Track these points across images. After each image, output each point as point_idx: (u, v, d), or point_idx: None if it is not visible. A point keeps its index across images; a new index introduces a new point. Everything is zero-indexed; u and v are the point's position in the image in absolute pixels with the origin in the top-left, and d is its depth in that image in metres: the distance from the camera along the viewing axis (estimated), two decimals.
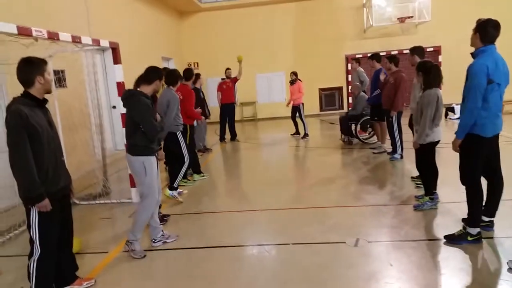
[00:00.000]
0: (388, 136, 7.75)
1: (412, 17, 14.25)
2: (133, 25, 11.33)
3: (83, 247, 4.31)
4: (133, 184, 5.71)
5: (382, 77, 7.71)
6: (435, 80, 4.63)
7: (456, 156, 3.87)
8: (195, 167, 7.08)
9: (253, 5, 15.56)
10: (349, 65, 14.93)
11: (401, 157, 7.39)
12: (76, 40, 4.58)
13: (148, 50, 12.13)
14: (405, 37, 14.61)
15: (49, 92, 3.14)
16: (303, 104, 11.01)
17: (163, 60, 13.63)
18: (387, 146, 8.01)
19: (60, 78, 7.20)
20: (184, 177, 6.83)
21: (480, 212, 3.83)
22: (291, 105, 11.14)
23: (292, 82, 11.05)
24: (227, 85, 10.91)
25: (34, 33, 3.86)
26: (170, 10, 14.95)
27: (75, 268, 3.51)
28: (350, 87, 12.14)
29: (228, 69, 11.13)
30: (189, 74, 6.70)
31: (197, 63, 16.06)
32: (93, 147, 6.93)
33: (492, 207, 3.91)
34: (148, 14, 12.78)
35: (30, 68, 3.01)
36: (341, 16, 15.49)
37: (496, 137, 3.71)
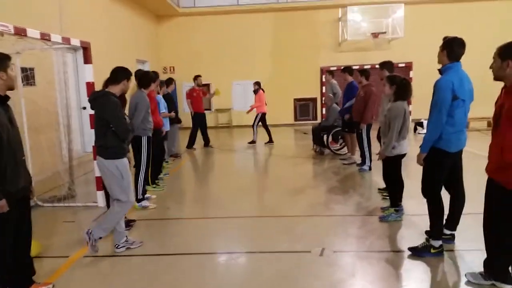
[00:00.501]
0: (358, 148, 7.89)
1: (385, 32, 14.63)
2: (108, 26, 11.14)
3: (43, 250, 4.16)
4: (99, 188, 5.57)
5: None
6: (405, 93, 4.75)
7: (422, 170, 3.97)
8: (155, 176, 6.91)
9: (232, 13, 15.61)
10: (324, 76, 15.14)
11: (370, 168, 7.53)
12: (45, 37, 4.45)
13: (122, 52, 11.94)
14: (378, 52, 14.95)
15: (11, 88, 3.05)
16: (264, 113, 11.57)
17: (137, 62, 13.45)
18: (357, 157, 8.14)
19: (28, 76, 6.98)
20: (153, 182, 6.73)
21: (442, 224, 3.94)
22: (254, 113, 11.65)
23: (255, 92, 11.52)
24: (197, 93, 10.72)
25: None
26: (148, 13, 14.81)
27: (32, 273, 3.38)
28: (323, 98, 12.30)
29: (198, 76, 10.95)
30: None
31: (173, 67, 15.95)
32: (60, 149, 6.74)
33: (453, 221, 4.03)
34: (125, 16, 12.61)
35: None
36: (317, 29, 15.74)
37: (460, 152, 3.82)
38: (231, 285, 3.48)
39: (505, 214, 2.88)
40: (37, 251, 4.05)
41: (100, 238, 4.03)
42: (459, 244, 4.05)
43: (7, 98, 3.04)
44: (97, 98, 3.89)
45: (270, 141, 11.51)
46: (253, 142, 11.51)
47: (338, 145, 9.69)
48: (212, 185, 7.51)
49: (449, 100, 3.53)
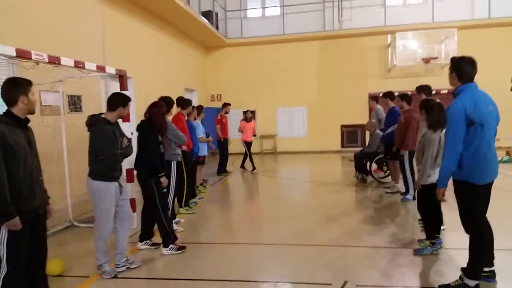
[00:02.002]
0: (401, 176, 7.47)
1: (437, 57, 14.06)
2: (157, 57, 11.74)
3: (67, 269, 4.26)
4: (133, 209, 5.67)
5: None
6: (439, 118, 4.43)
7: None
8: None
9: (278, 42, 15.86)
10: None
11: (414, 198, 7.05)
12: (79, 65, 4.71)
13: (171, 81, 12.47)
14: (430, 78, 14.21)
15: (32, 112, 3.20)
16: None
17: (186, 91, 13.95)
18: (402, 186, 7.69)
19: (75, 102, 7.44)
20: (186, 204, 6.76)
21: (483, 264, 3.52)
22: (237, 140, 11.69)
23: (250, 120, 11.54)
24: (226, 120, 10.87)
25: (34, 57, 4.00)
26: (197, 45, 15.44)
27: None
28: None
29: (228, 104, 11.00)
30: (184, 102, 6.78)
31: (220, 95, 16.34)
32: None
33: (488, 255, 3.59)
34: (175, 47, 13.23)
35: (15, 88, 3.08)
36: (365, 55, 15.52)
37: (488, 185, 3.44)
38: None
39: None
40: (60, 270, 4.16)
41: (102, 264, 4.10)
42: (501, 284, 3.60)
43: (27, 121, 3.19)
44: (93, 123, 4.00)
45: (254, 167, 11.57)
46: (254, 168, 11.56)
47: (383, 172, 9.26)
48: (244, 210, 7.41)
49: (463, 127, 3.23)
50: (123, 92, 4.67)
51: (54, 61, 4.36)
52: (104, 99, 7.57)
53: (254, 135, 11.70)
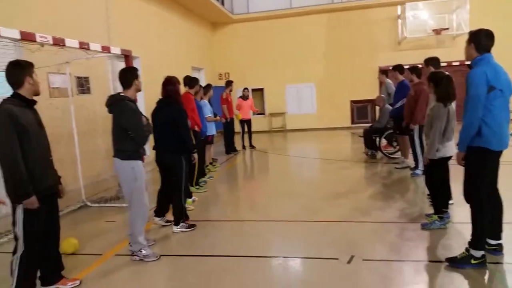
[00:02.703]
0: (411, 151, 7.42)
1: (448, 28, 13.72)
2: (163, 35, 11.64)
3: (80, 248, 4.38)
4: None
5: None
6: (447, 91, 4.36)
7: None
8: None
9: (285, 16, 15.60)
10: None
11: (423, 173, 7.01)
12: (84, 46, 4.71)
13: (178, 60, 12.41)
14: (441, 50, 14.02)
15: (37, 93, 3.23)
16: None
17: (193, 69, 13.88)
18: (411, 161, 7.66)
19: (83, 84, 7.47)
20: (197, 183, 6.84)
21: (485, 233, 3.53)
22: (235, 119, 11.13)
23: (246, 97, 11.28)
24: (231, 99, 10.75)
25: (38, 39, 4.01)
26: (203, 22, 15.27)
27: (61, 268, 3.55)
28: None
29: (231, 81, 10.97)
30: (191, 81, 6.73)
31: (228, 73, 16.24)
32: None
33: (495, 228, 3.60)
34: (180, 25, 13.10)
35: (19, 70, 3.12)
36: (374, 28, 15.21)
37: (501, 153, 3.42)
38: None
39: None
40: (74, 249, 4.28)
41: (142, 250, 4.02)
42: (509, 257, 3.60)
43: (34, 102, 3.23)
44: (114, 103, 3.93)
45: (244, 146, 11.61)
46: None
47: (393, 148, 9.20)
48: (253, 188, 7.47)
49: (484, 93, 3.22)
50: (129, 66, 4.58)
51: (58, 42, 4.37)
52: (111, 80, 7.58)
53: (261, 113, 11.91)
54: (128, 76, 4.02)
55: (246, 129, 11.41)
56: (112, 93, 6.97)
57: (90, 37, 6.57)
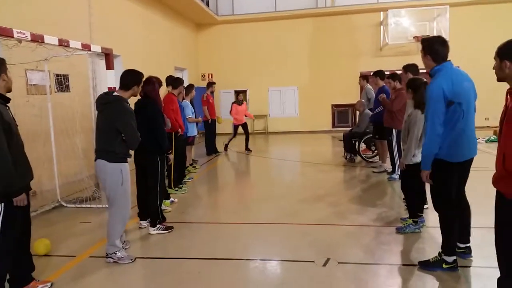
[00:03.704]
0: (389, 156, 7.53)
1: (429, 36, 13.97)
2: (146, 35, 11.53)
3: (53, 249, 4.29)
4: None
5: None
6: (423, 97, 4.44)
7: None
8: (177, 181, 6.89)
9: (270, 19, 15.65)
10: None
11: (400, 177, 7.13)
12: (63, 43, 4.63)
13: (161, 60, 12.30)
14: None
15: (9, 90, 3.18)
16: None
17: (176, 70, 13.79)
18: (389, 165, 7.77)
19: (62, 82, 7.33)
20: (176, 185, 6.78)
21: (456, 239, 3.61)
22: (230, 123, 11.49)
23: (241, 102, 11.18)
24: (213, 100, 10.76)
25: (15, 35, 3.93)
26: (187, 22, 15.19)
27: (31, 269, 3.47)
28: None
29: (213, 83, 10.99)
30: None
31: (211, 74, 16.20)
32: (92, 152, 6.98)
33: (463, 232, 3.69)
34: (164, 25, 12.99)
35: None
36: (357, 33, 15.39)
37: (469, 161, 3.49)
38: None
39: (510, 228, 2.56)
40: (46, 250, 4.19)
41: (116, 252, 3.95)
42: (477, 260, 3.70)
43: (9, 99, 3.16)
44: (110, 102, 3.83)
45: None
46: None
47: (371, 152, 9.33)
48: (233, 190, 7.46)
49: (443, 108, 3.25)
50: (136, 70, 4.46)
51: (37, 39, 4.29)
52: (92, 78, 7.47)
53: (251, 119, 11.78)
54: (130, 79, 3.95)
55: (239, 132, 11.32)
56: (92, 92, 6.97)
57: (71, 35, 6.45)
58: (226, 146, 11.54)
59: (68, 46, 4.79)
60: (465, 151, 3.39)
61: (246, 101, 16.36)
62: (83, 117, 7.04)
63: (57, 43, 4.60)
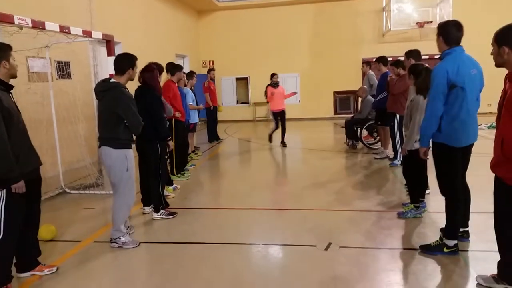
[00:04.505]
0: (391, 142, 7.54)
1: (431, 22, 13.88)
2: (147, 21, 11.47)
3: (58, 235, 4.35)
4: None
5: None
6: (426, 82, 4.43)
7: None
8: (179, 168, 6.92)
9: (271, 5, 15.52)
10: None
11: (401, 163, 7.14)
12: (64, 30, 4.61)
13: (162, 47, 12.25)
14: (424, 43, 14.14)
15: (14, 77, 3.18)
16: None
17: (177, 57, 13.74)
18: (391, 151, 7.79)
19: (63, 68, 7.32)
20: (178, 172, 6.82)
21: (459, 224, 3.65)
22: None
23: (276, 84, 9.68)
24: (214, 87, 10.63)
25: (16, 21, 3.92)
26: (188, 9, 15.08)
27: (38, 254, 3.52)
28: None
29: (212, 69, 10.88)
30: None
31: (212, 61, 16.13)
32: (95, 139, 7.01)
33: (463, 217, 3.72)
34: (165, 12, 12.92)
35: None
36: (359, 19, 15.27)
37: (469, 147, 3.50)
38: (227, 276, 3.42)
39: (509, 212, 2.59)
40: (52, 235, 4.24)
41: (121, 237, 3.99)
42: (476, 244, 3.74)
43: (12, 86, 3.17)
44: (109, 90, 3.81)
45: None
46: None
47: (373, 139, 9.34)
48: (235, 177, 7.49)
49: (444, 88, 3.27)
50: (129, 53, 4.43)
51: (38, 26, 4.27)
52: (93, 66, 7.45)
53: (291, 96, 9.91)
54: (124, 63, 3.91)
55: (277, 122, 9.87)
56: (93, 79, 6.95)
57: (71, 21, 6.42)
58: (270, 137, 10.11)
59: (69, 32, 4.77)
60: (465, 136, 3.41)
61: (248, 88, 16.44)
62: (84, 104, 7.04)
63: (58, 29, 4.58)
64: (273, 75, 9.73)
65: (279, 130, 9.89)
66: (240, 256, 3.82)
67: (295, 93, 10.33)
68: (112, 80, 3.90)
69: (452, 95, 3.28)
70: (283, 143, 9.91)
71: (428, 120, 3.41)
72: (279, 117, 9.71)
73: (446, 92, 3.27)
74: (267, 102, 9.92)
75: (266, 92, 9.67)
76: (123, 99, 3.78)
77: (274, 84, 9.63)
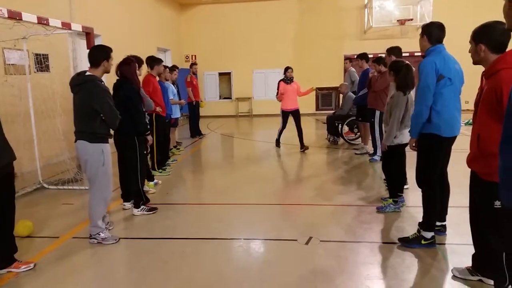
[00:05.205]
0: (371, 138, 7.63)
1: (412, 19, 14.07)
2: (128, 14, 11.29)
3: (36, 231, 4.27)
4: None
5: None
6: (406, 79, 4.50)
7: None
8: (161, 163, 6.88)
9: (255, 0, 15.46)
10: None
11: (381, 158, 7.24)
12: (42, 21, 4.50)
13: (143, 40, 12.09)
14: (405, 40, 14.38)
15: None
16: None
17: (158, 51, 13.58)
18: (371, 147, 7.89)
19: (41, 61, 7.16)
20: (160, 167, 6.76)
21: (435, 216, 3.73)
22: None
23: (290, 80, 8.59)
24: (196, 82, 10.55)
25: None
26: (170, 2, 14.91)
27: (14, 250, 3.45)
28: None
29: (194, 64, 10.71)
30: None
31: (195, 56, 16.01)
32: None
33: (441, 210, 3.81)
34: (146, 4, 12.73)
35: None
36: (342, 16, 15.37)
37: (453, 139, 3.59)
38: (208, 271, 3.42)
39: (484, 207, 2.66)
40: (29, 231, 4.16)
41: (100, 233, 3.95)
42: (452, 238, 3.84)
43: None
44: (84, 83, 3.73)
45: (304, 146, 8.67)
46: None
47: (354, 134, 9.44)
48: (217, 172, 7.45)
49: (434, 81, 3.36)
50: (103, 45, 4.35)
51: (14, 16, 4.15)
52: (72, 58, 7.30)
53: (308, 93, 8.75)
54: (98, 55, 3.83)
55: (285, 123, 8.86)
56: (73, 72, 6.81)
57: (50, 12, 6.29)
58: (277, 141, 9.11)
59: (47, 24, 4.66)
60: (454, 126, 3.49)
61: (231, 83, 16.36)
62: (63, 98, 6.88)
63: (35, 21, 4.46)
64: (287, 68, 8.59)
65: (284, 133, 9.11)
66: (222, 251, 3.82)
67: (313, 89, 9.22)
68: (88, 73, 3.82)
69: (440, 86, 3.37)
70: (303, 146, 8.56)
71: (418, 111, 3.47)
72: (292, 117, 8.53)
73: (435, 83, 3.35)
74: (279, 100, 8.62)
75: (277, 89, 8.53)
76: (99, 92, 3.71)
77: (287, 79, 8.52)
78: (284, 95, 8.46)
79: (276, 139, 9.13)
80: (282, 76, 8.79)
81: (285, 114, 8.64)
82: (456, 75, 3.43)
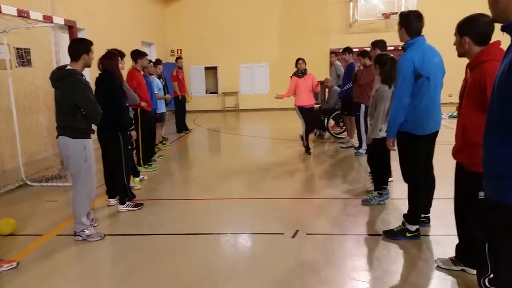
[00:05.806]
0: (356, 131, 7.69)
1: (397, 13, 14.13)
2: (111, 7, 11.10)
3: (19, 229, 4.20)
4: None
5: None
6: (391, 72, 4.53)
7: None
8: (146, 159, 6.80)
9: None
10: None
11: (366, 152, 7.31)
12: (22, 14, 4.40)
13: (127, 34, 11.90)
14: (390, 33, 14.38)
15: None
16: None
17: (143, 44, 13.41)
18: (356, 141, 7.95)
19: (22, 55, 7.00)
20: (145, 163, 6.70)
21: (421, 210, 3.78)
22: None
23: (303, 73, 7.73)
24: (182, 76, 10.40)
25: None
26: None
27: None
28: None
29: (179, 58, 10.50)
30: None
31: (180, 50, 15.86)
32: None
33: (426, 204, 3.86)
34: None
35: None
36: (327, 10, 15.38)
37: (433, 134, 3.62)
38: (196, 266, 3.41)
39: (468, 198, 2.71)
40: (11, 229, 4.09)
41: (84, 230, 3.90)
42: (436, 229, 3.90)
43: None
44: (64, 77, 3.67)
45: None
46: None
47: (340, 128, 9.50)
48: (203, 167, 7.44)
49: (411, 81, 3.35)
50: (83, 38, 4.26)
51: None
52: (55, 52, 7.16)
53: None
54: (77, 48, 3.76)
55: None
56: (55, 66, 6.66)
57: (31, 5, 6.13)
58: (302, 138, 7.84)
59: (28, 17, 4.55)
60: (429, 124, 3.51)
61: (217, 77, 16.24)
62: (46, 93, 6.75)
63: (16, 13, 4.35)
64: (298, 60, 7.75)
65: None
66: (209, 246, 3.82)
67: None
68: (68, 67, 3.75)
69: (418, 85, 3.37)
70: (308, 149, 7.78)
71: (395, 111, 3.47)
72: (305, 113, 7.63)
73: (413, 82, 3.35)
74: (293, 95, 7.74)
75: (290, 84, 7.73)
76: (79, 86, 3.65)
77: (299, 73, 7.64)
78: (297, 90, 7.62)
79: (301, 136, 7.90)
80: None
81: (301, 111, 7.66)
82: (436, 69, 3.44)
